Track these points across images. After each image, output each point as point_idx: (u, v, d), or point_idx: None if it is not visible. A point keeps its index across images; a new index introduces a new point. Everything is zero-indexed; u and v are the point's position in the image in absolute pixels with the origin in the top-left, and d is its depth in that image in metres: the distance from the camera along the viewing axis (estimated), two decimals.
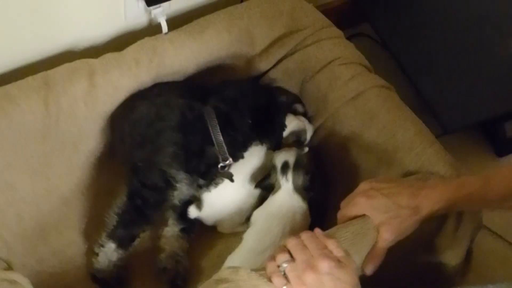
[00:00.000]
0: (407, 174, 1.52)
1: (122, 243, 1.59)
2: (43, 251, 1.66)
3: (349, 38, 1.84)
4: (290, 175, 1.61)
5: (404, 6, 2.23)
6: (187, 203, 1.66)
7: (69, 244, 1.68)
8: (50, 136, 1.62)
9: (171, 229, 1.67)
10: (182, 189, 1.60)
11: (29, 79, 1.59)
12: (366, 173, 1.62)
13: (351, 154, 1.66)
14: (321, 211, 1.66)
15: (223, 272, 1.25)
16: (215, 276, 1.25)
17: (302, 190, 1.61)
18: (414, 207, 1.33)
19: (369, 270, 1.33)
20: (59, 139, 1.65)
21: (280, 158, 1.64)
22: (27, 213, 1.67)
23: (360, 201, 1.35)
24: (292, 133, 1.70)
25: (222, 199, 1.67)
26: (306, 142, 1.73)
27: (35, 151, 1.63)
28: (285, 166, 1.62)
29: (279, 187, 1.62)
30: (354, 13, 2.28)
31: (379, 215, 1.33)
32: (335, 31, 1.80)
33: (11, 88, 1.57)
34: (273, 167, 1.64)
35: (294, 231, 1.53)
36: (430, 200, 1.34)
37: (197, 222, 1.70)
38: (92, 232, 1.68)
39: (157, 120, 1.59)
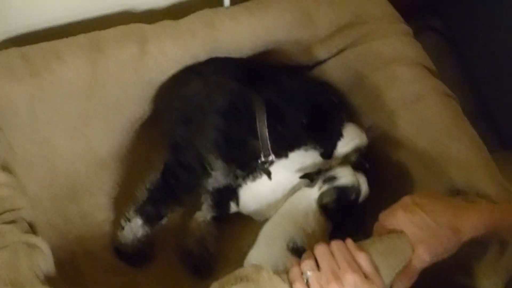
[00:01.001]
0: (455, 191, 1.44)
1: (149, 220, 1.55)
2: (72, 212, 1.63)
3: (415, 30, 1.75)
4: (324, 188, 1.54)
5: (481, 3, 2.10)
6: (226, 192, 1.61)
7: (99, 209, 1.66)
8: (94, 97, 1.59)
9: (203, 214, 1.62)
10: (218, 177, 1.55)
11: (80, 37, 1.56)
12: (412, 182, 1.55)
13: (400, 159, 1.59)
14: (359, 216, 1.59)
15: (245, 270, 1.21)
16: (237, 272, 1.21)
17: (322, 207, 1.54)
18: (455, 229, 1.25)
19: None
20: (103, 102, 1.61)
21: (336, 171, 1.55)
22: (62, 171, 1.64)
23: (400, 215, 1.28)
24: (355, 150, 1.60)
25: (260, 192, 1.60)
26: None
27: (77, 110, 1.60)
28: (329, 179, 1.54)
29: (312, 187, 1.55)
30: (424, 4, 2.17)
31: (417, 232, 1.25)
32: (403, 27, 1.72)
33: (60, 44, 1.54)
34: (325, 170, 1.56)
35: (308, 234, 1.51)
36: (472, 224, 1.27)
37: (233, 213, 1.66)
38: (123, 200, 1.64)
39: (206, 101, 1.53)
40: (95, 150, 1.68)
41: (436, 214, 1.26)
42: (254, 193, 1.60)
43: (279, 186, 1.59)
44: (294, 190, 1.58)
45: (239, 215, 1.66)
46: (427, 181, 1.51)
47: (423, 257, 1.25)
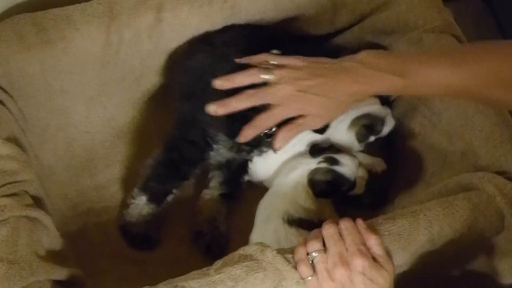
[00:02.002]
0: (478, 166, 1.37)
1: (154, 198, 1.51)
2: (86, 183, 1.61)
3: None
4: (321, 165, 1.48)
5: None
6: (236, 168, 1.57)
7: (114, 180, 1.63)
8: (109, 65, 1.55)
9: (211, 192, 1.58)
10: (220, 151, 1.50)
11: (94, 3, 1.50)
12: (434, 154, 1.50)
13: (423, 130, 1.54)
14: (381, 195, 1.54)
15: (249, 248, 1.18)
16: (241, 250, 1.19)
17: (310, 181, 1.49)
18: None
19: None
20: (118, 70, 1.57)
21: (343, 157, 1.50)
22: (77, 140, 1.62)
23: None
24: (363, 117, 1.51)
25: (272, 163, 1.55)
26: (381, 134, 1.54)
27: (92, 79, 1.56)
28: (331, 160, 1.49)
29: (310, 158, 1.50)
30: None
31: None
32: None
33: (73, 10, 1.49)
34: (335, 151, 1.51)
35: (301, 206, 1.48)
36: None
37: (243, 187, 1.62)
38: (138, 172, 1.59)
39: (208, 73, 1.46)
40: (111, 120, 1.65)
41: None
42: (266, 163, 1.55)
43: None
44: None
45: (249, 194, 1.61)
46: (450, 154, 1.46)
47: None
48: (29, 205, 1.26)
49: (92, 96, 1.59)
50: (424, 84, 1.21)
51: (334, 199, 1.51)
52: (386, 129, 1.53)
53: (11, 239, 1.18)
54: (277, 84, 1.24)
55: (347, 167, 1.48)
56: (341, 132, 1.51)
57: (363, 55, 1.24)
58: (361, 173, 1.50)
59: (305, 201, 1.47)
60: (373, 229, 1.16)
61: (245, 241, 1.45)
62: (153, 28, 1.53)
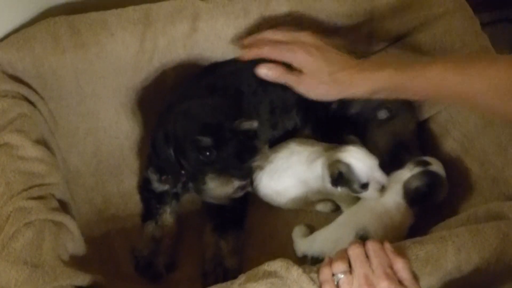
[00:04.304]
0: (510, 196, 1.36)
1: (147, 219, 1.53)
2: (112, 190, 1.60)
3: (490, 21, 1.65)
4: (416, 171, 1.45)
5: None
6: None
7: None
8: (141, 72, 1.56)
9: (205, 232, 1.53)
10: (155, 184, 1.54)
11: (130, 9, 1.51)
12: (466, 181, 1.47)
13: (456, 155, 1.52)
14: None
15: (275, 264, 1.17)
16: (266, 266, 1.17)
17: (409, 192, 1.46)
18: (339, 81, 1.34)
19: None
20: (151, 77, 1.58)
21: (427, 158, 1.48)
22: (106, 145, 1.62)
23: (300, 53, 1.36)
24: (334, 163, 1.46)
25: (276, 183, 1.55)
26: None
27: (124, 85, 1.57)
28: (422, 163, 1.47)
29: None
30: None
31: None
32: (470, 17, 1.60)
33: (109, 15, 1.50)
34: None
35: (385, 225, 1.44)
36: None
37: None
38: None
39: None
40: (141, 127, 1.64)
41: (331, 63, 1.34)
42: (272, 181, 1.54)
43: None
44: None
45: (263, 213, 1.59)
46: (480, 181, 1.44)
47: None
48: (55, 209, 1.26)
49: (123, 101, 1.59)
50: (420, 80, 1.25)
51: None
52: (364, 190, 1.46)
53: (36, 242, 1.18)
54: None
55: (438, 166, 1.46)
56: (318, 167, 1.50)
57: None
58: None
59: (392, 221, 1.44)
60: (401, 252, 1.14)
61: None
62: (188, 37, 1.52)
